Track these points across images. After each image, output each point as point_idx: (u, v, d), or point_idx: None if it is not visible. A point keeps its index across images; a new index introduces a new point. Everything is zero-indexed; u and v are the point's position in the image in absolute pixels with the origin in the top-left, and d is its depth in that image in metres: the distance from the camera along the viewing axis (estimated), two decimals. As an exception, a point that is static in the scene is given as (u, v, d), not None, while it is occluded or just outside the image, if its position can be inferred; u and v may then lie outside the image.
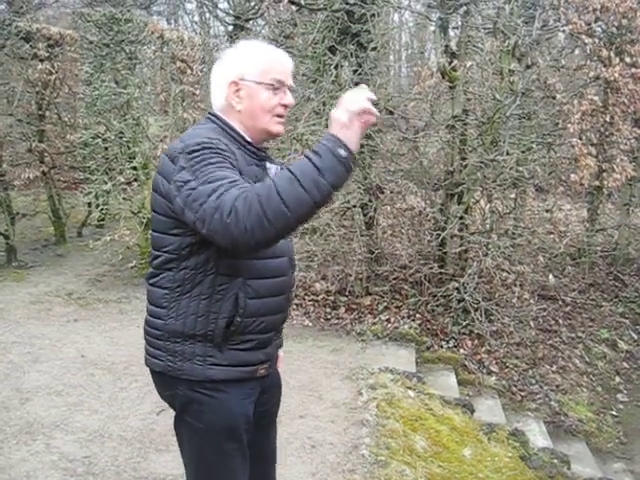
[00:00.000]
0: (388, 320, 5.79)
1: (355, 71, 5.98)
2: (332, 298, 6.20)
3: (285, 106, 2.04)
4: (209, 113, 2.08)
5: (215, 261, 1.90)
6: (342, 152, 1.70)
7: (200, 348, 1.95)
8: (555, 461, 4.45)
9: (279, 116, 2.03)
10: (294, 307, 5.97)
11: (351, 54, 5.93)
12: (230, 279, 1.92)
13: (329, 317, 6.00)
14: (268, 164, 2.05)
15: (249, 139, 2.01)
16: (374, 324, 5.72)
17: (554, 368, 5.98)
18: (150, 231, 2.06)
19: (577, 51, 7.44)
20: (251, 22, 8.91)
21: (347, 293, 6.12)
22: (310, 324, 5.84)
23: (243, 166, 1.91)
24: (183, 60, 7.84)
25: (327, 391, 4.49)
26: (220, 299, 1.93)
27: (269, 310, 2.02)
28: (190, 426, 2.03)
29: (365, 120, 1.77)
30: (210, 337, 1.94)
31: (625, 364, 6.33)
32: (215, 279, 1.92)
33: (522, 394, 5.55)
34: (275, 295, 2.03)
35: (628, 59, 6.20)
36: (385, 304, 6.02)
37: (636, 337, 6.72)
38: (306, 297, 6.26)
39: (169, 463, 3.51)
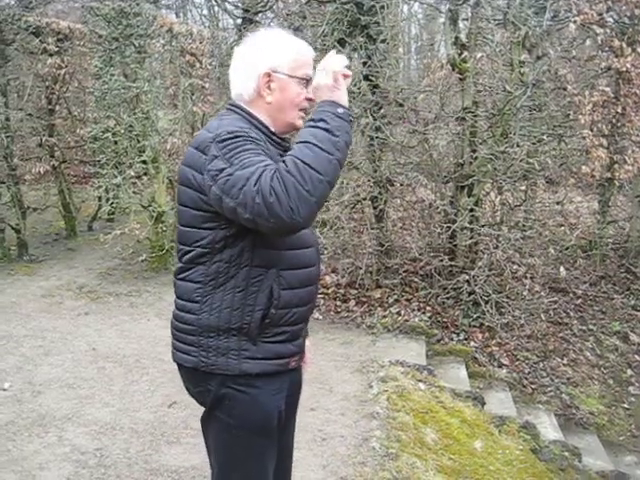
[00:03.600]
0: (398, 313, 5.77)
1: (364, 63, 5.95)
2: (342, 291, 6.19)
3: (310, 100, 2.03)
4: (230, 104, 2.06)
5: (250, 253, 1.90)
6: (340, 110, 1.84)
7: (234, 342, 1.94)
8: (566, 454, 4.44)
9: (303, 110, 2.04)
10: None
11: (360, 46, 5.90)
12: (265, 271, 1.92)
13: (339, 310, 5.99)
14: None
15: (273, 129, 2.01)
16: (384, 317, 5.71)
17: (565, 361, 5.96)
18: (178, 226, 2.03)
19: (588, 42, 7.37)
20: (260, 15, 8.87)
21: (357, 286, 6.11)
22: (320, 317, 5.83)
23: (273, 155, 1.91)
24: (192, 53, 7.85)
25: (337, 384, 4.50)
26: (255, 291, 1.92)
27: (300, 301, 2.02)
28: (221, 422, 2.01)
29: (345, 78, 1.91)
30: (245, 330, 1.93)
31: (637, 357, 6.29)
32: (250, 271, 1.91)
33: (533, 387, 5.53)
34: (305, 286, 2.03)
35: (640, 49, 6.15)
36: (395, 297, 6.01)
37: (648, 330, 6.68)
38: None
39: (180, 455, 3.53)
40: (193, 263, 1.96)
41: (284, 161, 1.75)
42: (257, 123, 1.98)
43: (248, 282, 1.91)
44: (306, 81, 2.01)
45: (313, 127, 1.80)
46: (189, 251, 1.96)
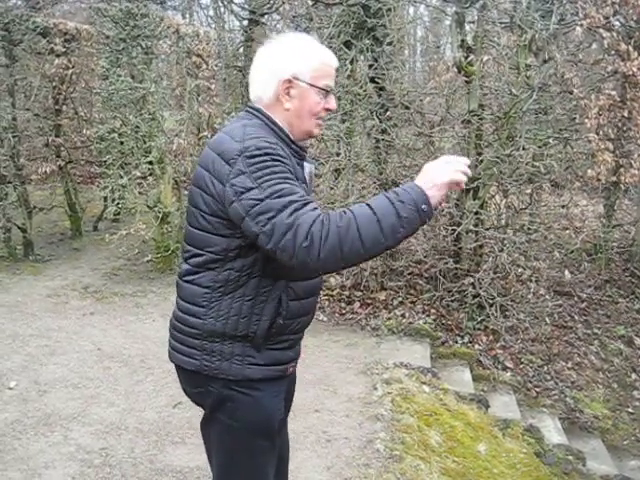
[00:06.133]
0: (403, 315, 5.78)
1: (371, 66, 5.97)
2: (347, 293, 6.20)
3: (328, 110, 2.02)
4: (250, 107, 2.02)
5: (262, 264, 1.88)
6: (425, 207, 1.73)
7: (239, 348, 1.94)
8: (570, 458, 4.43)
9: (320, 118, 2.01)
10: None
11: (367, 49, 5.92)
12: (274, 281, 1.91)
13: (344, 312, 6.00)
14: (305, 163, 2.02)
15: (292, 138, 1.98)
16: (389, 319, 5.72)
17: (569, 364, 5.95)
18: (188, 227, 1.99)
19: (595, 45, 7.36)
20: (266, 17, 8.89)
21: (362, 288, 6.12)
22: (325, 319, 5.84)
23: (295, 167, 1.89)
24: (198, 55, 7.86)
25: (342, 386, 4.50)
26: (264, 301, 1.92)
27: (305, 310, 2.03)
28: (223, 424, 2.01)
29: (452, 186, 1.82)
30: (251, 338, 1.93)
31: (641, 361, 6.29)
32: (260, 281, 1.90)
33: (537, 390, 5.53)
34: (311, 296, 2.05)
35: (646, 53, 6.13)
36: (400, 299, 6.01)
37: (653, 334, 6.67)
38: (321, 292, 6.25)
39: (185, 455, 3.53)
40: (202, 268, 1.94)
41: (342, 215, 1.70)
42: (278, 130, 1.95)
43: (257, 291, 1.91)
44: (326, 92, 1.98)
45: (390, 204, 1.72)
46: (199, 254, 1.94)
